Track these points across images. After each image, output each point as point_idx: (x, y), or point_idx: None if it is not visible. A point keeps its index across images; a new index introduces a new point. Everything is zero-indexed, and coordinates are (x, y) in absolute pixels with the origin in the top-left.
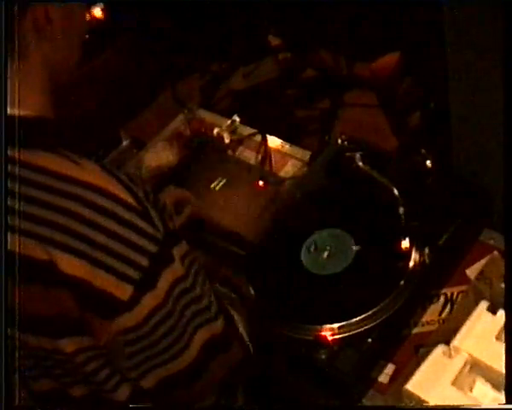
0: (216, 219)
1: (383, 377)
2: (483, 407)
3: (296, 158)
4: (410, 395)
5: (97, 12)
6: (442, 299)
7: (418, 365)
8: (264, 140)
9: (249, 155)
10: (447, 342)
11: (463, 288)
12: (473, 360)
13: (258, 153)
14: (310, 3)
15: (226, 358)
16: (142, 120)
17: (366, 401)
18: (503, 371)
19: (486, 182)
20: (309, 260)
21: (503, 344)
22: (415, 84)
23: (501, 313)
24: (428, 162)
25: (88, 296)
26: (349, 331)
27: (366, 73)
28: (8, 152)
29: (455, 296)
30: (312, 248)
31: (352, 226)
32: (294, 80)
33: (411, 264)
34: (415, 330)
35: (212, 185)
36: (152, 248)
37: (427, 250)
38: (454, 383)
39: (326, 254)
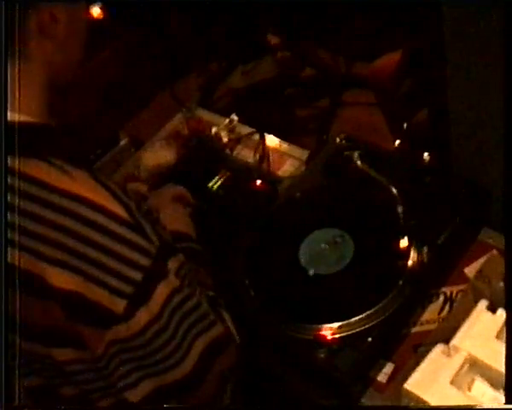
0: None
1: (382, 377)
2: (482, 406)
3: (294, 157)
4: (409, 395)
5: (95, 11)
6: (441, 298)
7: (417, 364)
8: (263, 139)
9: (247, 154)
10: (446, 342)
11: (462, 287)
12: (472, 359)
13: (256, 152)
14: (308, 3)
15: (223, 361)
16: (141, 120)
17: (365, 401)
18: (503, 370)
19: (485, 181)
20: (307, 260)
21: (503, 343)
22: (414, 83)
23: (500, 312)
24: (427, 161)
25: (81, 308)
26: (348, 331)
27: (365, 73)
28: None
29: (454, 295)
30: (311, 248)
31: (350, 225)
32: (293, 79)
33: (410, 263)
34: (414, 330)
35: (210, 184)
36: (145, 262)
37: (425, 249)
38: (453, 382)
39: (324, 253)
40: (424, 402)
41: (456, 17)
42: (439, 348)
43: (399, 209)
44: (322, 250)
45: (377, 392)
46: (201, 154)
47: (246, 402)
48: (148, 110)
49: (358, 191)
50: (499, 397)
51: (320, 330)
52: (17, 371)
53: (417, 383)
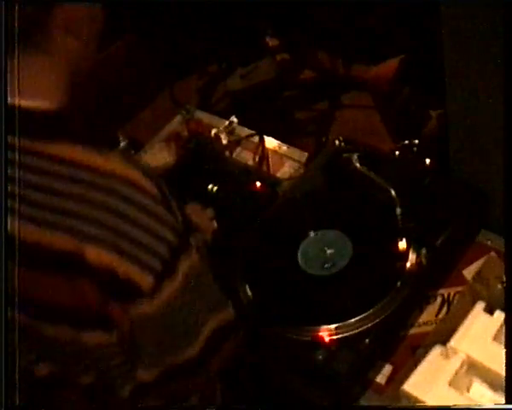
0: None
1: (380, 378)
2: (481, 407)
3: (293, 159)
4: (408, 396)
5: None
6: (439, 300)
7: (415, 365)
8: (262, 141)
9: (247, 156)
10: (444, 343)
11: (460, 288)
12: (470, 360)
13: (255, 154)
14: (307, 5)
15: (230, 345)
16: (140, 121)
17: (363, 402)
18: (500, 371)
19: (483, 183)
20: (306, 261)
21: (500, 345)
22: (413, 86)
23: (498, 314)
24: (425, 163)
25: (111, 285)
26: (346, 332)
27: (363, 75)
28: (34, 145)
29: (452, 297)
30: (309, 249)
31: (349, 227)
32: (292, 82)
33: (408, 265)
34: (412, 331)
35: (210, 186)
36: (172, 237)
37: (424, 251)
38: (451, 383)
39: (323, 255)
40: (422, 403)
41: (454, 19)
42: (437, 350)
43: (398, 211)
44: (320, 252)
45: (376, 393)
46: (201, 156)
47: (245, 403)
48: (147, 112)
49: (357, 193)
50: (497, 398)
51: (318, 331)
52: (17, 372)
53: (415, 385)
